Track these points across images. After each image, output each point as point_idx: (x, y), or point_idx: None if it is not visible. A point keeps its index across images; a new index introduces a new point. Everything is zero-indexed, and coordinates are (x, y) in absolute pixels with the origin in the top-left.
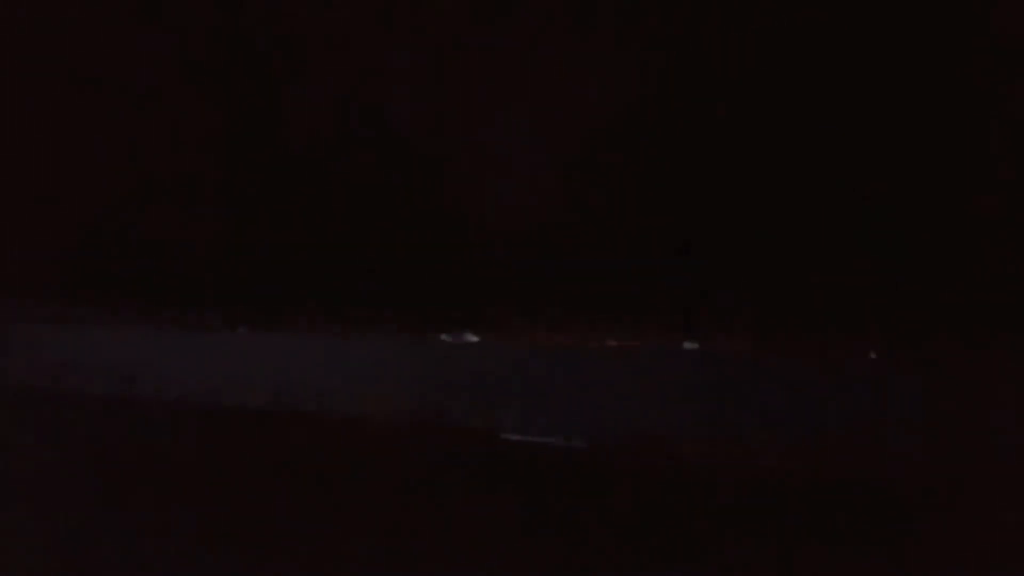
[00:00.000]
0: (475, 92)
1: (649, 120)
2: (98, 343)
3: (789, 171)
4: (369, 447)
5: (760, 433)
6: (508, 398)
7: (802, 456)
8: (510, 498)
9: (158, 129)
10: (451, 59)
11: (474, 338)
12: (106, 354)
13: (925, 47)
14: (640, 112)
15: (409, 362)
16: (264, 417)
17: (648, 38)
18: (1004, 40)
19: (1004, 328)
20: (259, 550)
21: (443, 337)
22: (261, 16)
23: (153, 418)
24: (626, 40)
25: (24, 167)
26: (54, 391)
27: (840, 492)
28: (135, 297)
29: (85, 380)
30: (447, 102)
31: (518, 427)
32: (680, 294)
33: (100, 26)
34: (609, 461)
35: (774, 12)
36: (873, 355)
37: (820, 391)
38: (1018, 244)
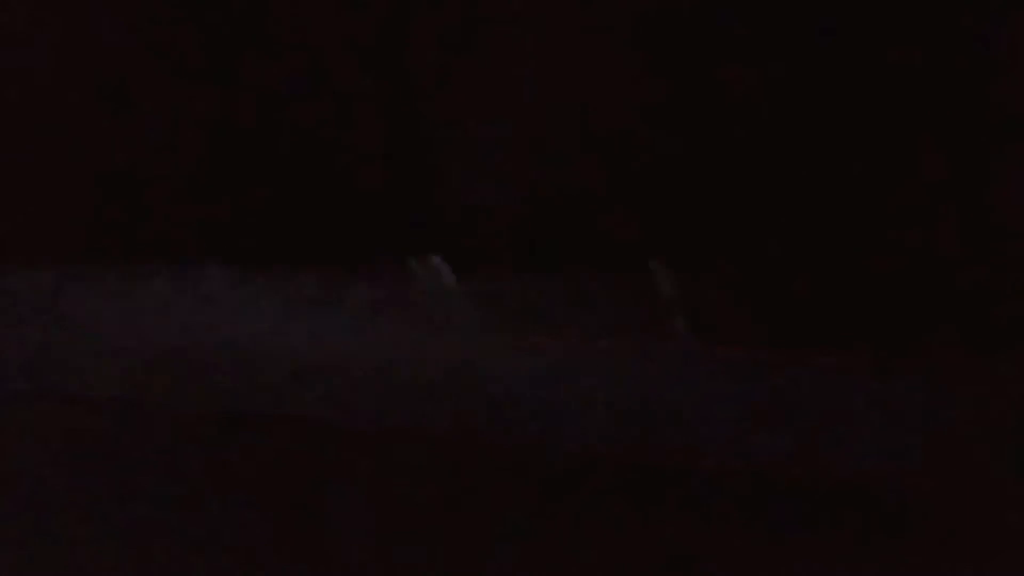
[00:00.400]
0: (467, 92)
1: (642, 121)
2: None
3: (790, 176)
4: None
5: (756, 436)
6: (500, 399)
7: (800, 459)
8: (490, 501)
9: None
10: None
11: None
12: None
13: (916, 51)
14: (634, 112)
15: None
16: (220, 365)
17: (633, 44)
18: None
19: (1005, 334)
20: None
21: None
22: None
23: (85, 364)
24: (614, 45)
25: None
26: None
27: (838, 493)
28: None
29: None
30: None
31: (507, 429)
32: (677, 296)
33: (91, 16)
34: (598, 458)
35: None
36: (871, 360)
37: (817, 395)
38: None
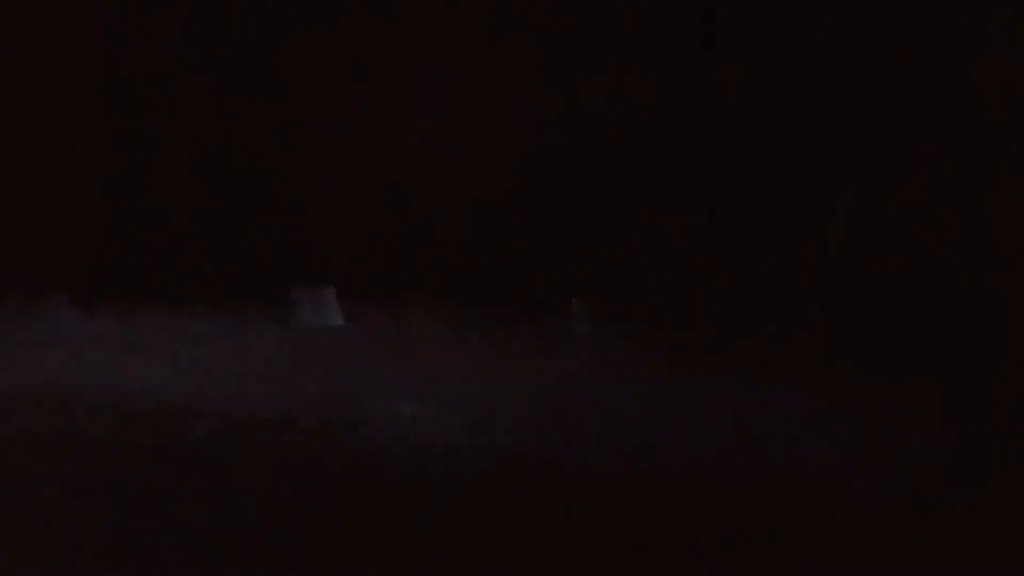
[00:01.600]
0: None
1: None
2: None
3: (787, 175)
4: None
5: (751, 444)
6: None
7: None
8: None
9: None
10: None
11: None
12: None
13: (916, 51)
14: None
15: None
16: (108, 405)
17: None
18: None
19: (1005, 335)
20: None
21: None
22: None
23: None
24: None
25: None
26: None
27: (836, 493)
28: None
29: None
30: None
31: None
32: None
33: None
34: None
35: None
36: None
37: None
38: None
